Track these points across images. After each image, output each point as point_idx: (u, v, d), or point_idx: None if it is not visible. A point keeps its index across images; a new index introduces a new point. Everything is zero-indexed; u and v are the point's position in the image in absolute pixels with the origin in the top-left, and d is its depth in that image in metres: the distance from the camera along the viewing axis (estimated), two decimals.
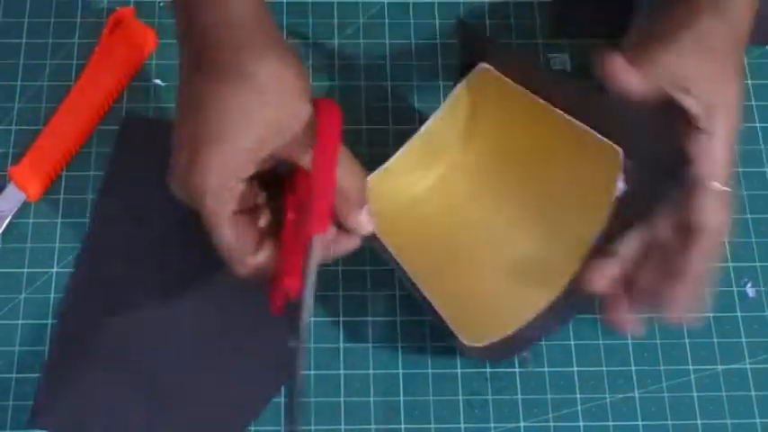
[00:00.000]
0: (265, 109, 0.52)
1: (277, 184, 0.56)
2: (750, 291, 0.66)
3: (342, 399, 0.63)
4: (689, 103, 0.56)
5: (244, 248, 0.54)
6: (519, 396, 0.63)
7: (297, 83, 0.53)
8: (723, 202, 0.56)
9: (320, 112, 0.53)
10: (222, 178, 0.53)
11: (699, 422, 0.63)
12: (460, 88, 0.65)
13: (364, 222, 0.55)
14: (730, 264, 0.67)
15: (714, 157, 0.56)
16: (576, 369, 0.64)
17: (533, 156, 0.65)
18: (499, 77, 0.62)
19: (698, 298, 0.56)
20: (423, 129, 0.65)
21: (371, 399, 0.63)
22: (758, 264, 0.67)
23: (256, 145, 0.52)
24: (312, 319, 0.64)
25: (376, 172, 0.65)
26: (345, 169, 0.53)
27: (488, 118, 0.66)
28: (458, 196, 0.67)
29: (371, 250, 0.66)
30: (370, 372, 0.63)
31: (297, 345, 0.53)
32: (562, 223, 0.63)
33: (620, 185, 0.58)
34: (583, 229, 0.60)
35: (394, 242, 0.63)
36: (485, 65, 0.63)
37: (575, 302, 0.61)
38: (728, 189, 0.57)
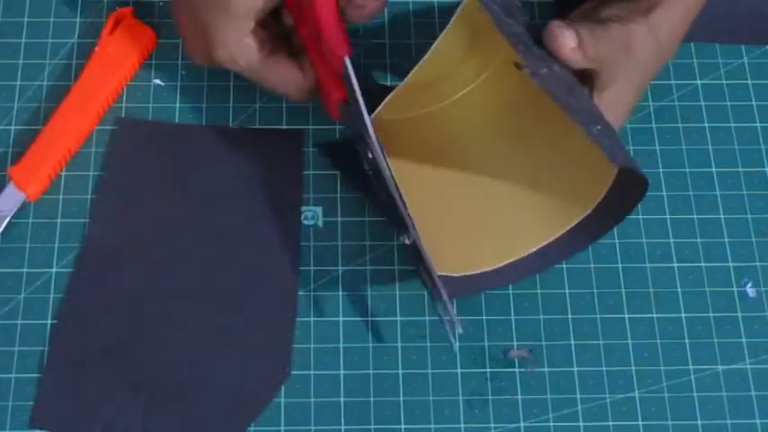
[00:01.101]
0: None
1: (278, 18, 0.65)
2: (750, 291, 0.66)
3: (341, 399, 0.63)
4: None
5: (292, 79, 0.63)
6: (519, 396, 0.63)
7: None
8: None
9: None
10: (240, 35, 0.60)
11: (699, 422, 0.63)
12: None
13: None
14: (730, 264, 0.67)
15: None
16: (575, 369, 0.64)
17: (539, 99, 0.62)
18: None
19: None
20: (430, 51, 0.63)
21: (371, 399, 0.63)
22: (758, 264, 0.67)
23: None
24: (311, 319, 0.64)
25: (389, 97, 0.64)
26: None
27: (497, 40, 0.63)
28: (461, 123, 0.67)
29: (371, 249, 0.66)
30: (370, 371, 0.63)
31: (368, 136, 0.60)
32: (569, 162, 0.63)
33: None
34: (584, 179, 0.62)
35: (396, 166, 0.62)
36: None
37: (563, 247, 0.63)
38: None
